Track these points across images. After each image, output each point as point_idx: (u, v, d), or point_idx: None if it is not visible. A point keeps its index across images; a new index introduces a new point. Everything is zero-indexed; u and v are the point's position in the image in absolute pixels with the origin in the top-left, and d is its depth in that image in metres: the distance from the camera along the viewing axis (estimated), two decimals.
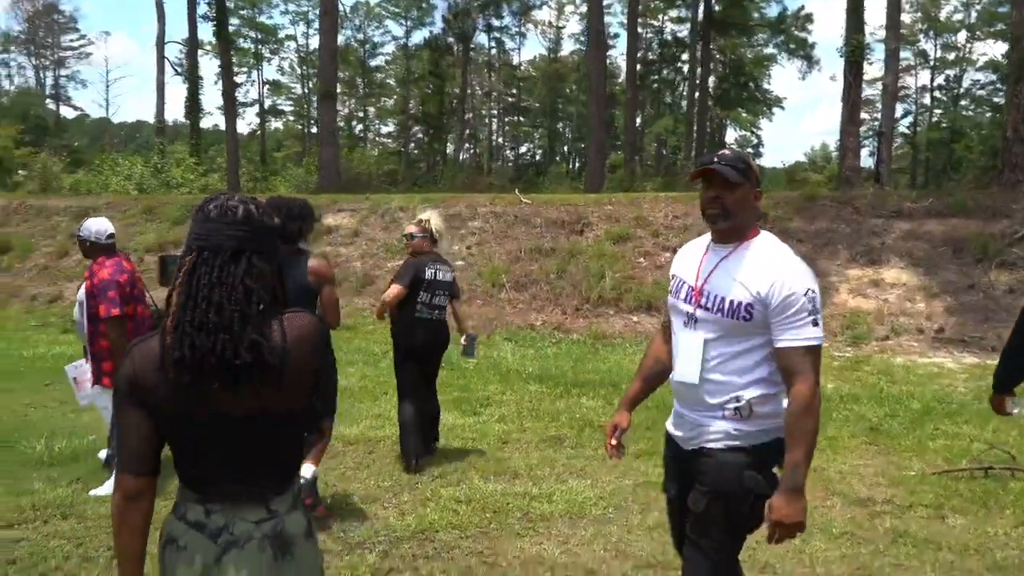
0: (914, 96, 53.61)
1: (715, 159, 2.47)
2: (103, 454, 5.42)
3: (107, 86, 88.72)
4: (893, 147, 33.74)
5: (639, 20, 31.43)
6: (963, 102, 53.23)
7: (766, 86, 47.01)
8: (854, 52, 16.46)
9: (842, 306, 10.32)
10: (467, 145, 53.56)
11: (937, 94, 54.17)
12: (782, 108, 51.98)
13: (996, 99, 49.95)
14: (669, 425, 2.69)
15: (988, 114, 50.48)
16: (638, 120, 50.32)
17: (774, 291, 2.34)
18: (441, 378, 7.57)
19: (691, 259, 2.60)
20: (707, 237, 2.61)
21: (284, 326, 1.75)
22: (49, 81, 58.58)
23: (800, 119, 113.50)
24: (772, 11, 36.18)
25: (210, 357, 1.66)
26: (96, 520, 4.43)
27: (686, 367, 2.50)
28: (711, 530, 2.47)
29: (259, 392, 1.71)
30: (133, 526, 1.74)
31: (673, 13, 40.94)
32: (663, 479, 2.80)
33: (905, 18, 39.56)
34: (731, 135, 52.61)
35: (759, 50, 42.95)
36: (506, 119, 56.60)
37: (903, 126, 49.53)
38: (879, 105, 32.30)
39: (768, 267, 2.39)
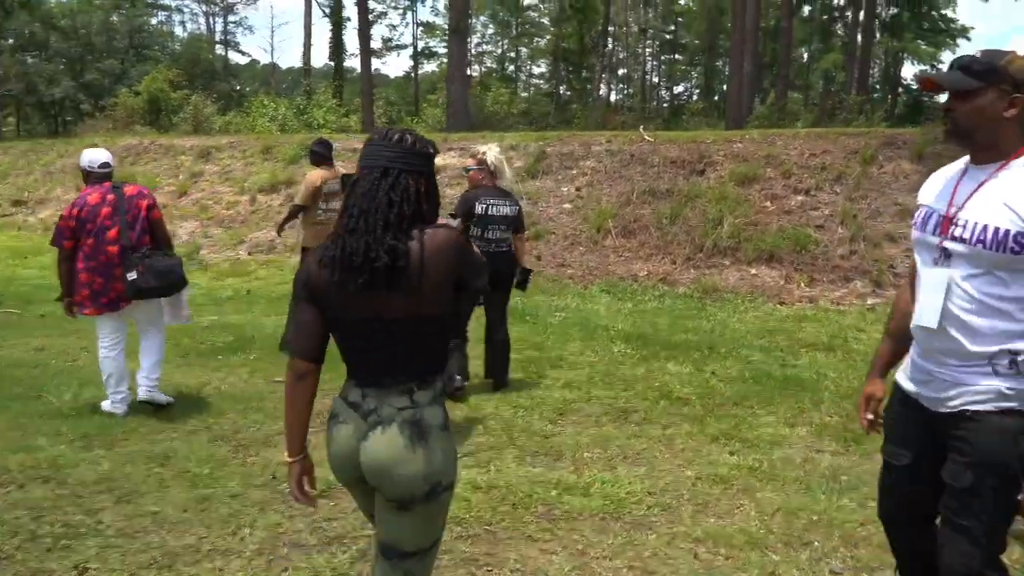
0: None
1: (939, 68, 1.86)
2: (106, 405, 5.17)
3: (272, 32, 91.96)
4: None
5: None
6: None
7: (950, 14, 42.47)
8: None
9: None
10: (621, 85, 51.84)
11: None
12: (968, 40, 46.57)
13: None
14: (904, 380, 2.36)
15: None
16: (805, 55, 46.86)
17: None
18: (520, 335, 6.87)
19: (944, 185, 2.28)
20: (960, 163, 2.28)
21: (423, 237, 2.00)
22: (219, 28, 61.13)
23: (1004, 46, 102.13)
24: None
25: (355, 257, 1.96)
26: (73, 488, 4.01)
27: (926, 309, 2.19)
28: (979, 510, 2.13)
29: (404, 297, 1.98)
30: (299, 401, 2.13)
31: None
32: (884, 444, 2.45)
33: None
34: (908, 71, 48.03)
35: None
36: (662, 57, 54.21)
37: None
38: None
39: None
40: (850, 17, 37.64)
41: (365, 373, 2.10)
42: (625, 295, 8.99)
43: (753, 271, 9.21)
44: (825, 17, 42.42)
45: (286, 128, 24.99)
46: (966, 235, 2.12)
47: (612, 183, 11.55)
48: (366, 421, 2.05)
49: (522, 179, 11.96)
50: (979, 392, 2.13)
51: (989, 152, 2.16)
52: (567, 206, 11.25)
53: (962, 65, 2.14)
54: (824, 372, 6.07)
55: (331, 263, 2.00)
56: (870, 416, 2.48)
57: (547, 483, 4.10)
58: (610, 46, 46.16)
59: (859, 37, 32.18)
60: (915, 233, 2.31)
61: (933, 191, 2.31)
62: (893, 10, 37.98)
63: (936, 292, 2.17)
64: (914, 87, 48.57)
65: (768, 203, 10.33)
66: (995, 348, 2.10)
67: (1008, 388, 2.10)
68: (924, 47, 42.16)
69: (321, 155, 7.22)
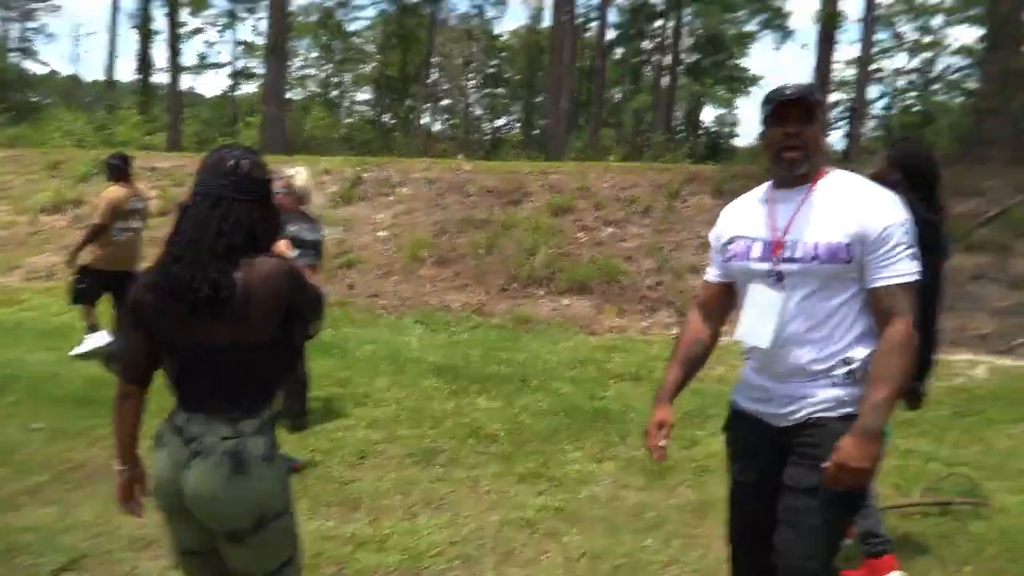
0: (889, 79, 52.71)
1: (787, 91, 2.18)
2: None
3: (75, 41, 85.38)
4: (868, 129, 32.73)
5: None
6: (936, 86, 52.48)
7: (744, 64, 46.00)
8: (828, 20, 15.27)
9: None
10: (445, 115, 52.07)
11: (912, 77, 53.37)
12: (759, 87, 50.82)
13: (966, 85, 49.43)
14: (742, 400, 2.39)
15: (959, 99, 49.97)
16: (618, 95, 49.10)
17: (870, 225, 2.11)
18: (324, 370, 6.42)
19: (750, 214, 2.34)
20: (757, 192, 2.38)
21: (253, 265, 1.99)
22: (16, 34, 55.72)
23: None
24: None
25: (179, 286, 1.97)
26: None
27: (757, 330, 2.23)
28: (821, 510, 2.15)
29: (229, 325, 1.98)
30: (126, 417, 2.16)
31: None
32: (731, 464, 2.45)
33: None
34: (708, 113, 51.56)
35: (739, 26, 41.74)
36: (485, 90, 55.05)
37: (877, 108, 48.73)
38: (853, 88, 31.25)
39: (857, 201, 2.17)
40: (657, 61, 39.85)
41: (191, 398, 2.08)
42: (439, 326, 8.72)
43: (566, 301, 9.23)
44: (635, 60, 44.73)
45: (83, 144, 23.08)
46: (799, 255, 2.17)
47: (429, 211, 11.33)
48: (188, 448, 2.02)
49: (336, 205, 11.50)
50: (821, 401, 2.19)
51: (806, 176, 2.23)
52: (382, 234, 10.89)
53: (803, 93, 2.19)
54: (631, 404, 6.06)
55: (154, 289, 2.01)
56: (662, 443, 2.41)
57: (340, 538, 3.72)
58: (434, 76, 46.36)
59: (665, 80, 34.09)
60: (737, 264, 2.32)
61: (740, 222, 2.36)
62: (695, 56, 40.54)
63: (770, 313, 2.21)
64: (713, 128, 52.10)
65: (581, 234, 10.46)
66: (833, 360, 2.18)
67: (847, 396, 2.17)
68: (722, 93, 45.37)
69: (120, 169, 6.67)
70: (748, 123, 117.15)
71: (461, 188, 11.76)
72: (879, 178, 3.36)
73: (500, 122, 56.98)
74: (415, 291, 9.59)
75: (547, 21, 49.33)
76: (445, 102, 53.64)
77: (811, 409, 2.20)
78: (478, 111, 56.14)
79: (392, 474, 4.60)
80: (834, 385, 2.18)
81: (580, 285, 9.37)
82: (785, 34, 36.79)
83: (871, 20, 16.82)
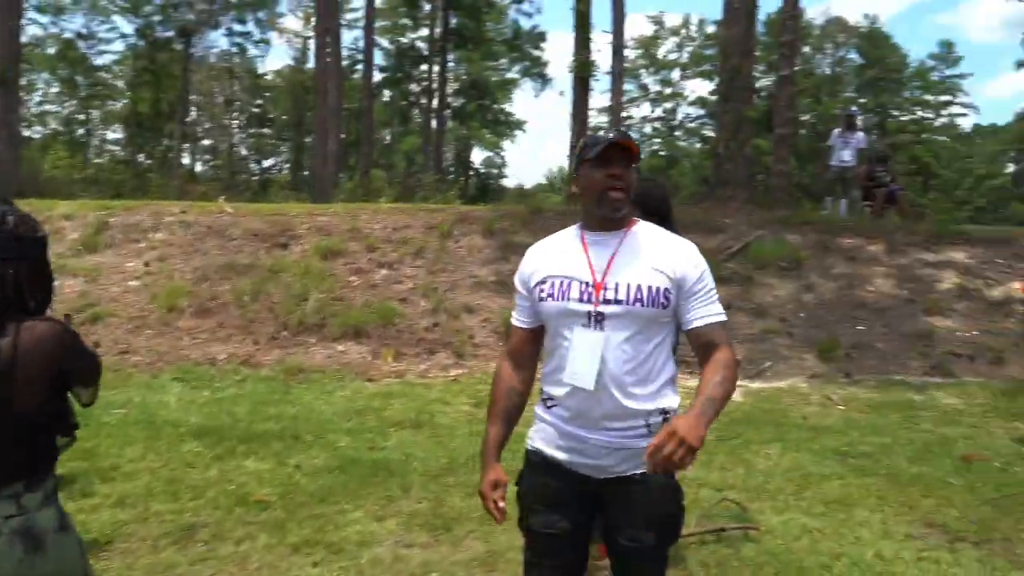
0: (638, 125, 57.18)
1: (611, 134, 2.22)
2: None
3: None
4: None
5: (375, 27, 29.93)
6: (677, 133, 57.62)
7: (508, 109, 47.85)
8: (581, 68, 16.14)
9: None
10: (207, 156, 49.40)
11: (657, 125, 58.27)
12: (523, 131, 53.23)
13: (704, 131, 54.88)
14: (549, 448, 2.30)
15: (698, 144, 55.31)
16: (388, 136, 49.15)
17: (688, 271, 2.20)
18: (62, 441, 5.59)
19: (565, 256, 2.30)
20: (565, 235, 2.36)
21: (20, 330, 1.91)
22: None
23: (543, 145, 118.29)
24: (509, 29, 36.34)
25: None
26: None
27: (581, 372, 2.19)
28: (658, 566, 2.27)
29: None
30: None
31: (407, 21, 39.91)
32: (531, 516, 2.32)
33: (629, 53, 41.66)
34: (477, 155, 52.98)
35: (501, 73, 43.41)
36: (250, 130, 52.93)
37: None
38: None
39: (672, 248, 2.26)
40: (425, 104, 40.46)
41: None
42: (201, 382, 7.99)
43: (340, 347, 8.83)
44: (404, 102, 45.11)
45: None
46: (621, 297, 2.17)
47: (187, 257, 10.47)
48: None
49: (77, 253, 10.33)
50: (640, 453, 2.10)
51: (622, 220, 2.26)
52: (133, 283, 9.89)
53: (628, 137, 2.23)
54: (413, 452, 5.81)
55: None
56: (502, 504, 2.31)
57: None
58: (193, 115, 43.94)
59: (433, 123, 34.61)
60: (552, 304, 2.25)
61: (553, 262, 2.31)
62: (461, 100, 41.58)
63: (592, 355, 2.17)
64: (483, 170, 53.63)
65: (354, 277, 10.11)
66: (650, 406, 2.18)
67: None
68: (489, 136, 46.89)
69: None
70: (515, 165, 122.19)
71: (223, 232, 11.01)
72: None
73: (268, 163, 55.12)
74: (173, 344, 8.75)
75: (312, 61, 48.72)
76: (207, 142, 51.10)
77: (635, 462, 2.16)
78: (244, 152, 53.97)
79: (144, 559, 4.03)
80: (650, 434, 2.14)
81: (355, 330, 9.01)
82: (544, 81, 38.78)
83: (619, 72, 18.01)
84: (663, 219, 3.48)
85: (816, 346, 8.75)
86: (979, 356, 8.53)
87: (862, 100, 52.11)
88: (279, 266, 10.09)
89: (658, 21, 56.16)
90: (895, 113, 53.67)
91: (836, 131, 12.85)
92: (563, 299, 2.23)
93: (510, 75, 43.34)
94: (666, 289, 2.17)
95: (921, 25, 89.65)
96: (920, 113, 53.97)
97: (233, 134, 52.34)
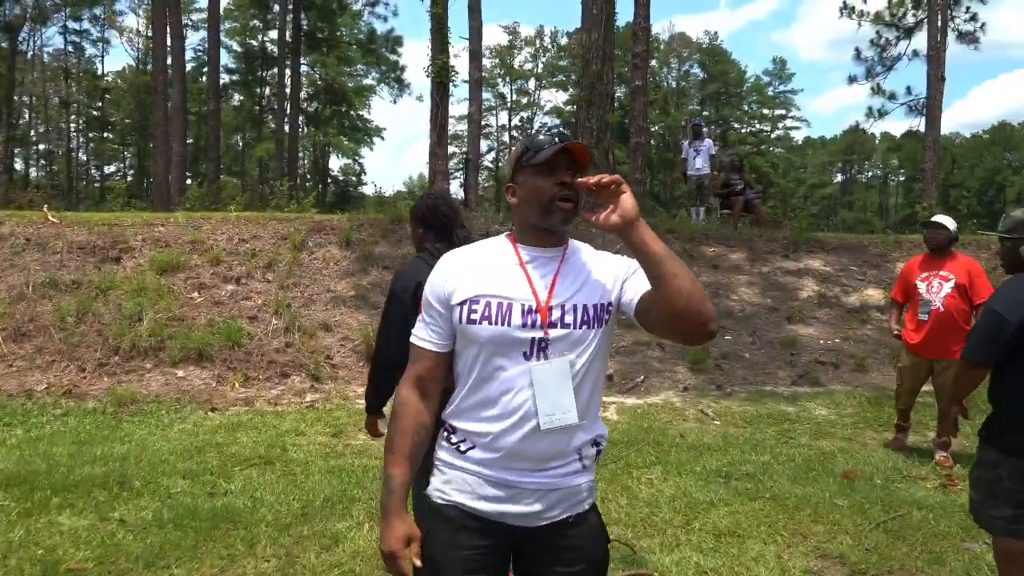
0: (495, 133, 57.48)
1: (559, 137, 1.99)
2: None
3: None
4: (483, 179, 34.83)
5: (221, 27, 28.30)
6: None
7: (366, 115, 46.75)
8: (439, 72, 15.59)
9: None
10: (43, 162, 45.41)
11: (514, 133, 58.79)
12: (382, 138, 52.18)
13: None
14: (475, 501, 1.96)
15: None
16: (240, 142, 46.80)
17: (622, 268, 2.01)
18: None
19: (501, 272, 1.98)
20: (495, 247, 2.05)
21: None
22: None
23: (403, 151, 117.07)
24: (364, 33, 35.34)
25: None
26: None
27: (561, 404, 1.91)
28: None
29: None
30: None
31: (257, 23, 38.21)
32: None
33: (486, 63, 41.57)
34: (334, 162, 51.54)
35: (358, 79, 42.33)
36: (91, 134, 49.17)
37: (487, 161, 52.56)
38: (466, 139, 33.11)
39: (608, 259, 2.06)
40: (279, 108, 38.77)
41: None
42: (15, 418, 6.89)
43: (180, 373, 7.89)
44: (256, 107, 43.14)
45: None
46: (568, 320, 1.94)
47: (2, 274, 9.17)
48: None
49: None
50: (575, 493, 1.99)
51: (561, 235, 2.03)
52: None
53: (574, 141, 1.99)
54: (260, 496, 5.09)
55: None
56: (418, 563, 1.95)
57: None
58: (25, 118, 40.29)
59: (287, 128, 33.14)
60: (488, 328, 1.93)
61: (484, 280, 1.98)
62: (316, 105, 40.22)
63: (564, 386, 1.92)
64: (341, 177, 52.17)
65: (196, 294, 9.15)
66: (588, 437, 1.99)
67: (589, 482, 2.02)
68: (346, 142, 45.64)
69: None
70: (374, 173, 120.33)
71: (45, 245, 9.75)
72: (412, 236, 3.66)
73: (110, 169, 51.48)
74: None
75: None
76: (42, 146, 47.16)
77: (569, 503, 1.98)
78: (84, 157, 50.16)
79: None
80: (584, 469, 2.00)
81: (197, 353, 8.10)
82: (401, 87, 37.99)
83: (478, 79, 17.66)
84: (449, 228, 3.50)
85: (687, 358, 8.61)
86: (842, 364, 8.65)
87: (705, 112, 54.54)
88: (109, 283, 9.00)
89: (513, 31, 56.78)
90: (736, 126, 56.51)
91: (685, 142, 13.04)
92: (502, 324, 1.93)
93: (367, 81, 42.35)
94: (608, 303, 1.98)
95: (757, 42, 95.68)
96: (758, 125, 57.12)
97: (71, 138, 48.51)
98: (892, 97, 25.46)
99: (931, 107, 22.31)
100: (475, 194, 18.87)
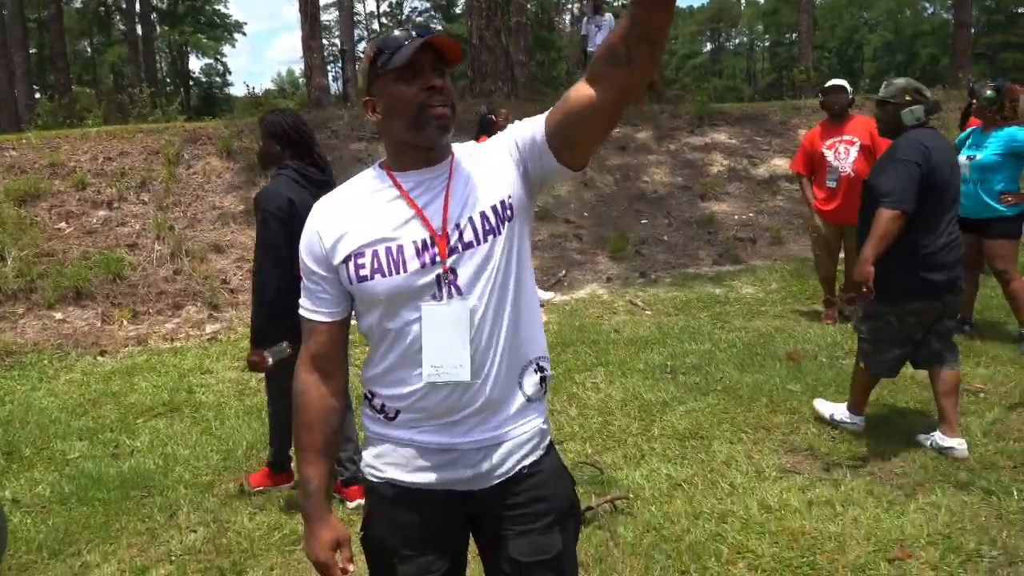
0: (364, 22, 54.40)
1: (416, 32, 1.60)
2: None
3: None
4: (359, 70, 33.05)
5: None
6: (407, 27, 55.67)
7: (224, 10, 43.23)
8: None
9: None
10: None
11: (384, 20, 55.87)
12: (244, 34, 48.45)
13: (434, 24, 53.49)
14: (411, 474, 1.68)
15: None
16: (88, 49, 42.45)
17: (504, 141, 1.66)
18: None
19: (382, 211, 1.62)
20: (365, 182, 1.69)
21: None
22: None
23: (267, 47, 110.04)
24: None
25: None
26: None
27: (451, 358, 1.59)
28: (571, 566, 1.74)
29: None
30: None
31: None
32: (400, 564, 1.67)
33: None
34: (194, 63, 47.82)
35: None
36: None
37: (360, 50, 49.91)
38: (337, 32, 31.09)
39: (492, 145, 1.68)
40: (128, 8, 35.18)
41: None
42: None
43: (58, 316, 6.98)
44: (102, 8, 39.10)
45: None
46: (468, 238, 1.60)
47: None
48: None
49: None
50: (526, 442, 1.69)
51: (443, 149, 1.67)
52: None
53: (435, 34, 1.59)
54: (173, 451, 4.49)
55: None
56: (351, 568, 1.70)
57: None
58: None
59: (139, 29, 30.18)
60: (383, 283, 1.59)
61: (365, 223, 1.62)
62: (167, 2, 36.82)
63: (458, 335, 1.59)
64: (204, 80, 48.62)
65: (63, 224, 8.09)
66: (525, 365, 1.67)
67: (543, 420, 1.73)
68: (205, 40, 42.24)
69: None
70: (239, 72, 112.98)
71: None
72: (265, 154, 3.51)
73: None
74: None
75: None
76: None
77: (520, 454, 1.68)
78: None
79: None
80: (529, 403, 1.68)
81: (74, 291, 7.17)
82: None
83: None
84: (308, 145, 3.46)
85: (607, 246, 8.26)
86: (759, 238, 8.50)
87: None
88: None
89: None
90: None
91: (585, 18, 12.35)
92: (398, 271, 1.59)
93: None
94: (508, 196, 1.63)
95: None
96: None
97: None
98: None
99: None
100: (354, 87, 17.68)
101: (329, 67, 32.81)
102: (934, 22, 54.66)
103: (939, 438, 3.73)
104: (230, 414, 4.98)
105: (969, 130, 5.63)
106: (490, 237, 1.61)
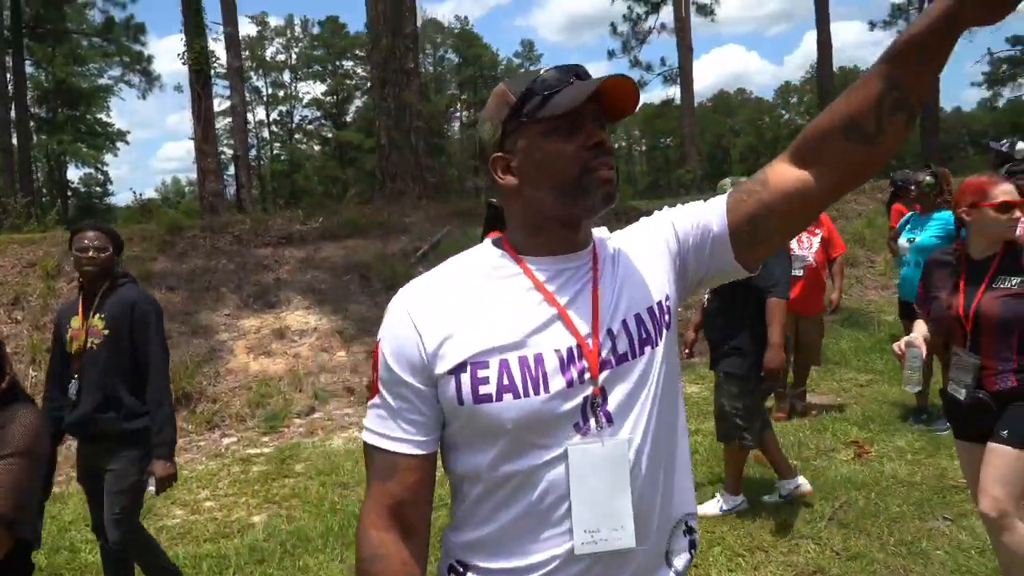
0: (254, 130, 53.78)
1: (580, 72, 1.22)
2: None
3: None
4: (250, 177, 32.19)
5: None
6: (297, 136, 55.41)
7: (106, 119, 41.68)
8: (197, 59, 13.51)
9: (244, 373, 7.27)
10: None
11: (275, 128, 55.50)
12: (126, 143, 46.78)
13: (324, 132, 53.46)
14: None
15: (317, 146, 53.83)
16: None
17: (657, 225, 1.32)
18: None
19: (513, 306, 1.18)
20: (481, 264, 1.24)
21: None
22: None
23: (153, 155, 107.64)
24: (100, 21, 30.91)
25: None
26: None
27: (609, 519, 1.15)
28: None
29: None
30: None
31: None
32: None
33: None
34: (73, 172, 45.70)
35: (93, 80, 37.39)
36: None
37: (249, 159, 49.13)
38: (228, 140, 30.37)
39: (635, 228, 1.34)
40: (3, 115, 33.35)
41: None
42: None
43: None
44: None
45: None
46: (623, 347, 1.18)
47: None
48: None
49: None
50: None
51: (588, 230, 1.28)
52: None
53: (613, 77, 1.16)
54: None
55: None
56: None
57: None
58: None
59: (15, 138, 28.48)
60: (511, 405, 1.11)
61: (488, 321, 1.15)
62: (46, 109, 35.20)
63: (618, 483, 1.14)
64: (83, 189, 46.47)
65: None
66: (674, 522, 1.25)
67: None
68: (86, 149, 40.46)
69: None
70: (122, 181, 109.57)
71: None
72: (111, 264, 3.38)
73: None
74: None
75: None
76: None
77: None
78: None
79: None
80: (670, 567, 1.24)
81: None
82: (150, 80, 33.72)
83: (238, 69, 15.68)
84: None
85: None
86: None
87: (464, 96, 54.55)
88: None
89: (262, 22, 53.07)
90: None
91: None
92: (536, 391, 1.13)
93: (105, 81, 37.52)
94: (666, 296, 1.28)
95: (502, 28, 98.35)
96: None
97: None
98: (649, 68, 26.49)
99: (684, 75, 23.28)
100: (250, 194, 16.95)
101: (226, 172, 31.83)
102: (791, 127, 58.91)
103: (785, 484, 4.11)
104: None
105: (909, 215, 5.61)
106: (647, 348, 1.22)
